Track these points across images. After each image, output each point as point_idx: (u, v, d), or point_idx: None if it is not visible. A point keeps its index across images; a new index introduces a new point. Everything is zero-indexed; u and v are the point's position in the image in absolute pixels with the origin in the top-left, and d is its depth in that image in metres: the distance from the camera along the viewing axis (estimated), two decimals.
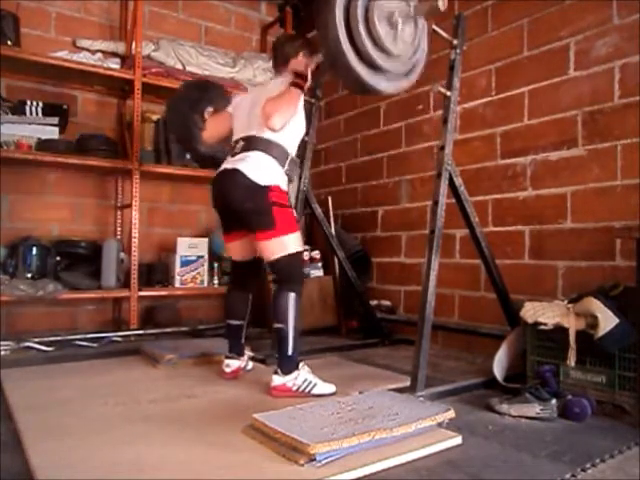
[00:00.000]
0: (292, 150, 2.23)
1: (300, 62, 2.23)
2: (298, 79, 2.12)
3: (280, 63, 2.34)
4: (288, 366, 2.08)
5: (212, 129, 2.45)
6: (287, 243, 2.12)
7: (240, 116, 2.31)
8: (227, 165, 2.18)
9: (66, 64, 3.36)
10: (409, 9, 1.95)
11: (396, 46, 1.95)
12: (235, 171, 2.10)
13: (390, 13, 1.91)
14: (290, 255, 2.12)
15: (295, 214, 2.29)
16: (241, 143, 2.20)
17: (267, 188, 2.09)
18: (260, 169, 2.11)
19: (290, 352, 2.08)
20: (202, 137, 2.50)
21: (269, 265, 2.18)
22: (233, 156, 2.19)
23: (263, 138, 2.15)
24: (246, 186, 2.08)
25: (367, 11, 1.88)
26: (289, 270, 2.13)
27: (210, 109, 2.58)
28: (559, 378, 2.13)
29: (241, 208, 2.12)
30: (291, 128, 2.18)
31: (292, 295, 2.10)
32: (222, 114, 2.43)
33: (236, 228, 2.28)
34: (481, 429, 1.76)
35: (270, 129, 2.08)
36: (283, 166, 2.18)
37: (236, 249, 2.36)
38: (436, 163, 2.35)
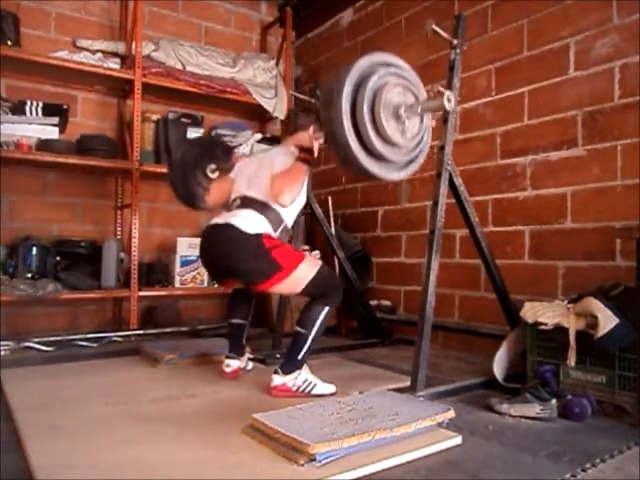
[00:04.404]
0: (288, 220, 2.21)
1: (305, 138, 2.19)
2: (305, 154, 2.12)
3: (292, 132, 2.38)
4: (290, 367, 2.08)
5: (216, 197, 2.42)
6: (303, 274, 2.06)
7: (242, 179, 2.31)
8: (218, 220, 2.15)
9: (66, 64, 3.36)
10: (416, 106, 1.97)
11: (401, 139, 1.97)
12: (226, 225, 2.07)
13: (396, 108, 1.92)
14: (314, 278, 2.07)
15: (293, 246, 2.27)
16: (238, 201, 2.20)
17: (260, 235, 2.05)
18: (251, 221, 2.08)
19: (300, 357, 2.08)
20: (206, 201, 2.47)
21: (301, 295, 2.13)
22: (228, 212, 2.20)
23: (260, 200, 2.15)
24: (237, 237, 2.03)
25: (374, 108, 1.89)
26: (321, 290, 2.09)
27: (213, 166, 2.60)
28: (559, 378, 2.12)
29: (237, 266, 2.05)
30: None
31: (326, 309, 2.08)
32: (225, 181, 2.41)
33: (230, 279, 2.25)
34: (481, 429, 1.75)
35: (281, 206, 2.10)
36: (275, 231, 2.14)
37: (234, 285, 2.38)
38: (436, 163, 2.35)
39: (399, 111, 1.92)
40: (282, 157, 2.22)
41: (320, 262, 2.21)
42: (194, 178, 2.50)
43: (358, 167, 1.91)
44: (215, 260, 2.15)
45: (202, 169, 2.55)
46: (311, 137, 2.14)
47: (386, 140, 1.91)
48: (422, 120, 2.03)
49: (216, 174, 2.52)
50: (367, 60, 1.94)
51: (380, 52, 2.08)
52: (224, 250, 2.06)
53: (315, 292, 2.09)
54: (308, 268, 2.08)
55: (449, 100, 1.97)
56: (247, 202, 2.18)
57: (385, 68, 1.97)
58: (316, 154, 2.16)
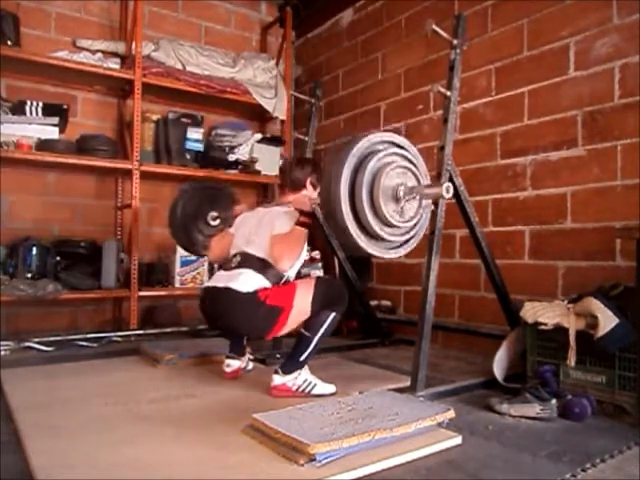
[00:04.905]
0: (289, 275, 2.19)
1: (306, 202, 2.17)
2: (305, 217, 2.11)
3: (288, 187, 2.35)
4: (291, 368, 2.08)
5: (217, 251, 2.43)
6: (303, 301, 2.05)
7: (241, 235, 2.29)
8: (218, 283, 2.12)
9: (66, 64, 3.36)
10: (415, 190, 1.98)
11: (399, 221, 1.99)
12: (225, 289, 2.05)
13: (395, 190, 1.94)
14: (314, 298, 2.06)
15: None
16: (238, 258, 2.18)
17: (255, 293, 2.03)
18: (250, 281, 2.07)
19: (302, 359, 2.08)
20: (207, 253, 2.50)
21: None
22: (227, 270, 2.17)
23: (260, 258, 2.13)
24: (236, 299, 2.03)
25: (372, 191, 1.89)
26: (326, 303, 2.08)
27: (214, 214, 2.56)
28: (559, 378, 2.13)
29: (240, 328, 2.11)
30: None
31: (332, 315, 2.08)
32: (225, 236, 2.41)
33: None
34: (481, 429, 1.75)
35: (281, 270, 2.10)
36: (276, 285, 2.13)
37: None
38: (436, 163, 2.35)
39: (398, 193, 1.93)
40: (283, 218, 2.19)
41: (314, 279, 2.18)
42: (195, 226, 2.50)
43: (355, 247, 1.94)
44: (217, 321, 2.16)
45: (203, 217, 2.54)
46: (311, 201, 2.15)
47: (384, 222, 1.94)
48: (420, 204, 2.05)
49: (217, 222, 2.50)
50: (366, 141, 1.96)
51: (379, 132, 2.10)
52: (225, 314, 2.07)
53: (322, 306, 2.08)
54: (304, 293, 2.07)
55: (447, 191, 2.00)
56: (247, 259, 2.14)
57: (385, 149, 1.97)
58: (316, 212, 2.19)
